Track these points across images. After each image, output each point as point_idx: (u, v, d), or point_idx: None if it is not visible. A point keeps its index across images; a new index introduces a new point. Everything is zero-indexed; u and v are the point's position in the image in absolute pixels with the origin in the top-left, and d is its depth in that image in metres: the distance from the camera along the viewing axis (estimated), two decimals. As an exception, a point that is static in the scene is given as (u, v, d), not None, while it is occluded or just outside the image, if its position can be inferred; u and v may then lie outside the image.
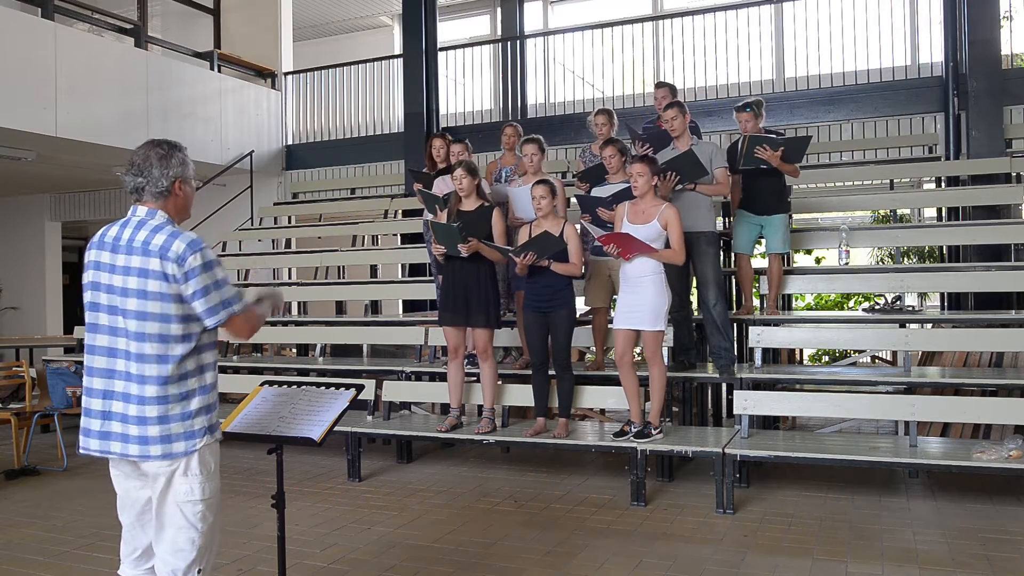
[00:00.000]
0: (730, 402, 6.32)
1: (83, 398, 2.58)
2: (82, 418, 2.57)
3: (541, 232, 5.31)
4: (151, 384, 2.44)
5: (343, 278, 9.43)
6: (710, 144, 6.01)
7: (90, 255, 2.56)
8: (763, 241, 6.28)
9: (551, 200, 5.39)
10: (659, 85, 7.03)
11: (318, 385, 3.24)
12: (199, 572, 2.53)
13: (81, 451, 2.58)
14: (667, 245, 5.13)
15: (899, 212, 8.50)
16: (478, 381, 5.89)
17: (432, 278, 7.43)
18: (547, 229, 5.36)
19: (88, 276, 2.55)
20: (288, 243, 10.66)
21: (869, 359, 8.69)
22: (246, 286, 8.13)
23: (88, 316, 2.55)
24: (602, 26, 10.45)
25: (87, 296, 2.55)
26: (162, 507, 2.50)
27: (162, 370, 2.44)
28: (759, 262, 6.66)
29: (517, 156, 6.52)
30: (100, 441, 2.51)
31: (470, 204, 5.57)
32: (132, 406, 2.45)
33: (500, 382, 5.98)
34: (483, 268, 5.54)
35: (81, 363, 7.35)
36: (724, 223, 7.37)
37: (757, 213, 6.13)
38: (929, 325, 6.54)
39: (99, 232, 2.59)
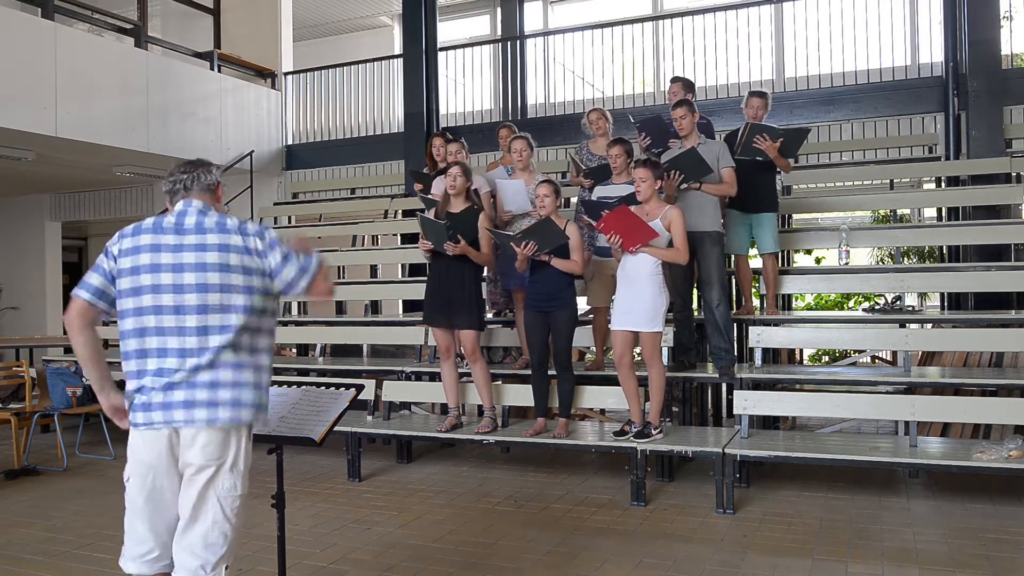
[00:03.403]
0: (730, 402, 6.32)
1: (145, 376, 2.50)
2: (136, 396, 2.51)
3: (544, 219, 5.29)
4: (227, 351, 2.51)
5: (343, 278, 9.42)
6: (717, 143, 5.94)
7: (142, 239, 2.55)
8: (755, 241, 6.28)
9: (555, 199, 5.38)
10: (675, 80, 6.81)
11: (318, 385, 3.24)
12: (226, 569, 2.54)
13: (141, 426, 2.50)
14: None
15: (899, 212, 8.51)
16: (473, 381, 5.89)
17: (432, 278, 7.42)
18: None
19: (140, 260, 2.52)
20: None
21: (869, 359, 8.69)
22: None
23: (142, 299, 2.50)
24: (602, 26, 10.44)
25: (141, 280, 2.51)
26: (202, 500, 2.50)
27: (240, 340, 2.53)
28: (757, 262, 6.66)
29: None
30: (163, 412, 2.47)
31: (458, 205, 5.57)
32: (205, 373, 2.48)
33: (500, 382, 5.99)
34: (467, 270, 5.55)
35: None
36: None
37: (746, 211, 6.12)
38: (929, 325, 6.54)
39: (145, 222, 2.61)
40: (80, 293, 2.57)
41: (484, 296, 6.10)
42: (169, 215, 2.62)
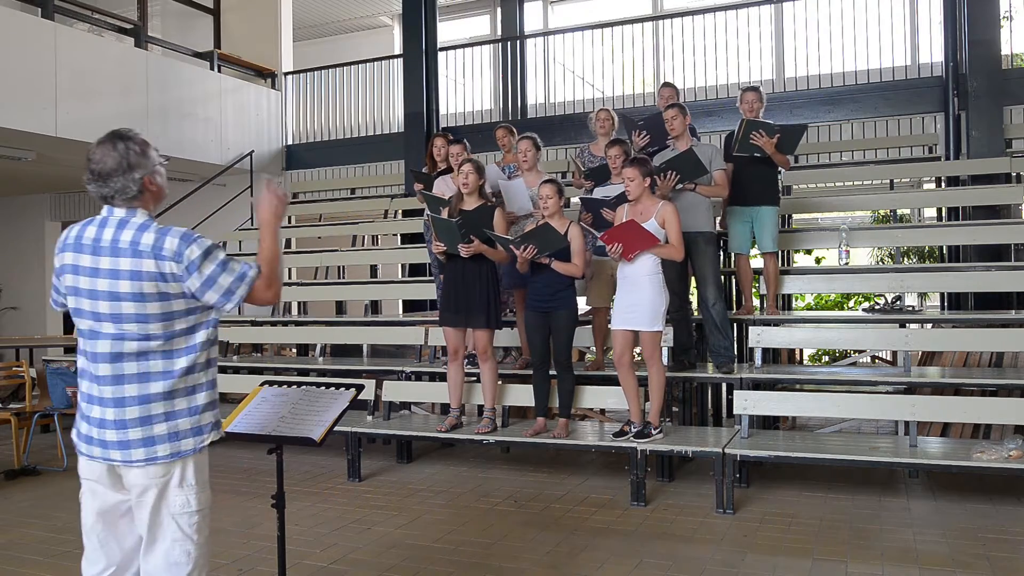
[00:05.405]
0: (730, 402, 6.32)
1: (80, 403, 2.47)
2: (79, 422, 2.46)
3: (542, 224, 5.29)
4: (156, 382, 2.36)
5: (343, 278, 9.43)
6: (710, 146, 6.01)
7: (65, 258, 2.42)
8: (755, 239, 6.28)
9: (558, 200, 5.37)
10: (665, 85, 7.03)
11: (318, 385, 3.24)
12: None
13: (83, 455, 2.46)
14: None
15: (899, 212, 8.51)
16: (478, 381, 5.89)
17: (432, 278, 7.43)
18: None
19: (67, 280, 2.42)
20: (288, 243, 10.66)
21: (869, 359, 8.69)
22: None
23: (77, 322, 2.44)
24: (602, 26, 10.45)
25: (71, 302, 2.43)
26: (155, 520, 2.40)
27: (169, 366, 2.37)
28: (757, 262, 6.66)
29: (516, 154, 6.54)
30: (101, 448, 2.41)
31: (471, 203, 5.56)
32: (134, 408, 2.36)
33: (500, 382, 5.99)
34: (484, 269, 5.53)
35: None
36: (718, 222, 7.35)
37: (747, 204, 6.11)
38: (929, 325, 6.54)
39: (70, 233, 2.44)
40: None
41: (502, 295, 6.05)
42: (91, 226, 2.40)
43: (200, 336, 2.43)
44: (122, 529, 2.48)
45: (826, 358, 10.08)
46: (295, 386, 3.26)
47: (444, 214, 5.63)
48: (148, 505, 2.39)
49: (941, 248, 8.26)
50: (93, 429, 2.41)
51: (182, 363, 2.39)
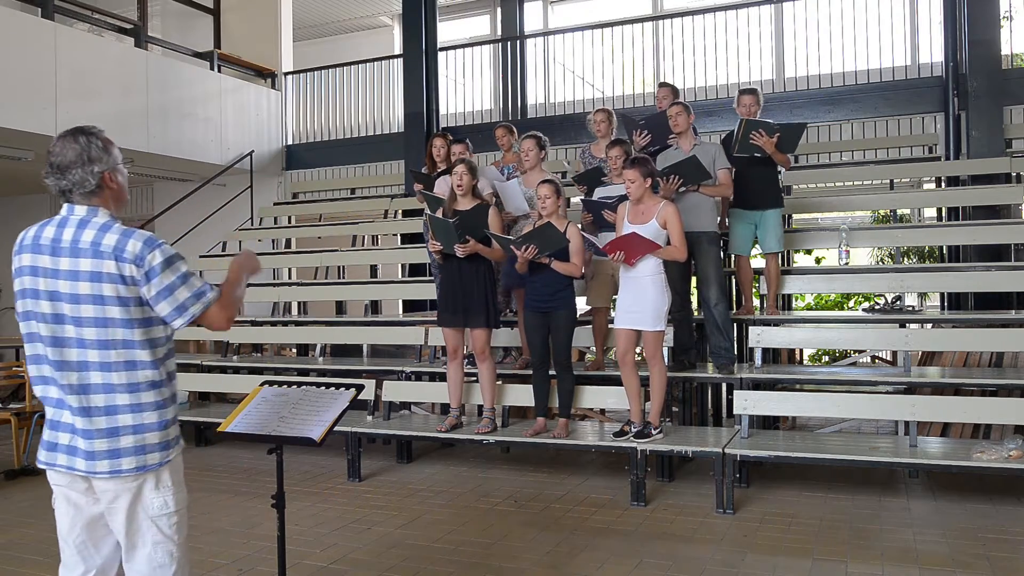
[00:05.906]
0: (730, 402, 6.32)
1: (47, 409, 2.37)
2: (45, 429, 2.37)
3: (543, 223, 5.30)
4: (122, 393, 2.29)
5: (343, 278, 9.42)
6: (713, 145, 5.98)
7: (23, 259, 2.33)
8: (758, 240, 6.28)
9: (556, 200, 5.37)
10: (662, 85, 7.06)
11: (318, 385, 3.23)
12: None
13: (43, 464, 2.37)
14: (668, 243, 5.14)
15: (899, 212, 8.51)
16: (478, 381, 5.89)
17: (432, 278, 7.42)
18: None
19: (25, 283, 2.33)
20: (288, 243, 10.67)
21: (869, 359, 8.69)
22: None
23: (28, 326, 2.36)
24: (602, 26, 10.45)
25: (22, 305, 2.34)
26: (132, 526, 2.36)
27: (132, 377, 2.30)
28: (758, 262, 6.66)
29: (516, 154, 6.54)
30: (67, 456, 2.32)
31: (466, 203, 5.56)
32: (100, 419, 2.30)
33: (500, 382, 5.99)
34: (481, 268, 5.54)
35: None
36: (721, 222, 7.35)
37: (751, 208, 6.11)
38: (929, 325, 6.54)
39: (27, 234, 2.37)
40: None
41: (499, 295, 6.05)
42: (50, 226, 2.34)
43: (161, 351, 2.38)
44: (100, 534, 2.44)
45: (826, 358, 10.08)
46: (295, 386, 3.26)
47: (440, 214, 5.64)
48: (122, 511, 2.35)
49: (941, 248, 8.26)
50: (62, 435, 2.35)
51: (149, 375, 2.33)
